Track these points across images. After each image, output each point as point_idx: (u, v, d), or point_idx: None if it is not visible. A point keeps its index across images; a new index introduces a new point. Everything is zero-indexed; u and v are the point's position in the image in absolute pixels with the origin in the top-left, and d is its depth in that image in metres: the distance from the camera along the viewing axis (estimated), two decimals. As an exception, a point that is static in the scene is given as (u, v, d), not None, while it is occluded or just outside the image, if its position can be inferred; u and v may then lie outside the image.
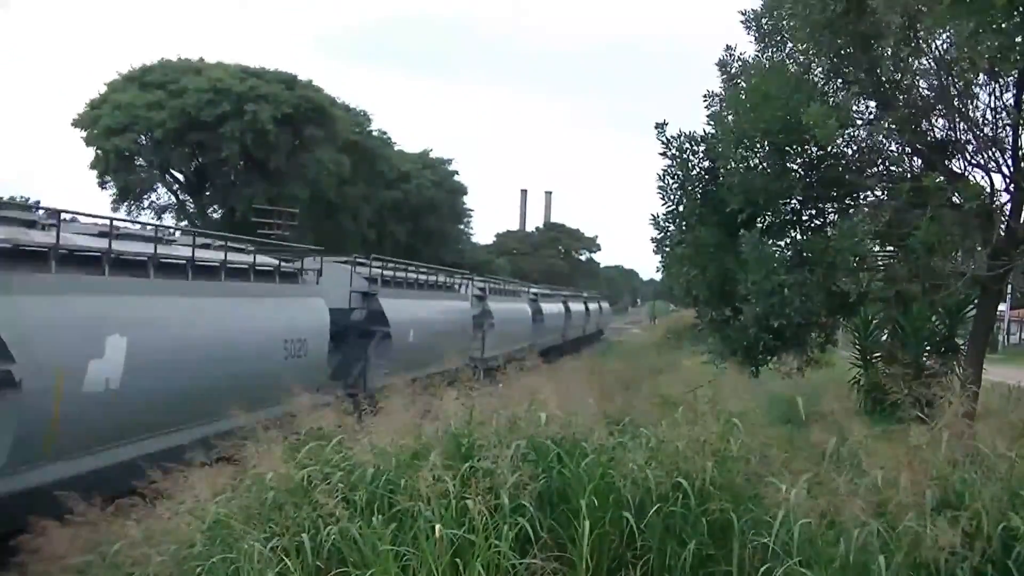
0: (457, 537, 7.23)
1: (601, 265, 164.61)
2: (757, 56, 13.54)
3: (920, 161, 12.85)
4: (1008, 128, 12.10)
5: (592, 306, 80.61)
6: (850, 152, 13.04)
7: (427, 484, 7.39)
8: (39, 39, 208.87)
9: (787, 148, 12.56)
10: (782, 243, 13.21)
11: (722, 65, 13.79)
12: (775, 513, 7.23)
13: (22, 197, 63.32)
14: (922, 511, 6.64)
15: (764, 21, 13.38)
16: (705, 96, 13.79)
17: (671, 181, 13.43)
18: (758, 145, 12.60)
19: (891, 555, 6.54)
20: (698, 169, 13.42)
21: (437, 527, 7.13)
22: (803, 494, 7.15)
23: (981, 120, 12.21)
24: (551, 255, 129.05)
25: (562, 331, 61.14)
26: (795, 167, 12.99)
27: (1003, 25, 10.18)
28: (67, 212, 14.19)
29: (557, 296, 65.58)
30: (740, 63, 13.68)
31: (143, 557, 7.84)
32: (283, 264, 20.17)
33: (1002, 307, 40.90)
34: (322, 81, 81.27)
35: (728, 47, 13.81)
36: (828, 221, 13.52)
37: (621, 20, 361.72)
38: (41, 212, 14.90)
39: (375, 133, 75.39)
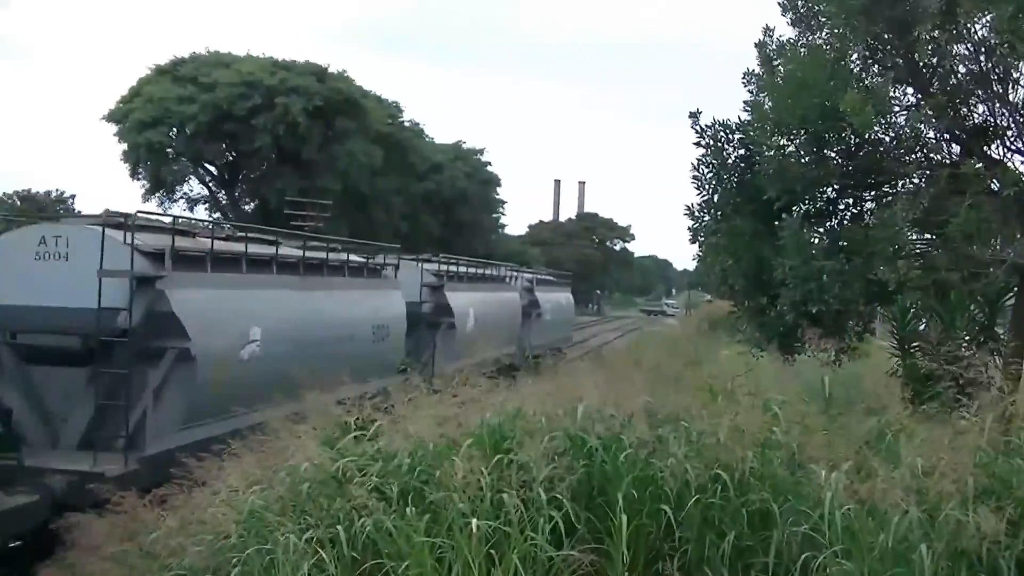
0: (492, 529, 7.19)
1: (635, 255, 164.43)
2: (793, 41, 13.37)
3: (959, 148, 12.68)
4: (1049, 113, 11.92)
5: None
6: (888, 139, 12.87)
7: (461, 476, 7.36)
8: (61, 36, 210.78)
9: (824, 135, 12.43)
10: (820, 231, 13.09)
11: (760, 47, 13.60)
12: (815, 502, 7.16)
13: (58, 191, 64.15)
14: (964, 499, 6.55)
15: (800, 4, 13.21)
16: (744, 75, 13.62)
17: (706, 170, 13.31)
18: (795, 132, 12.47)
19: (932, 544, 6.45)
20: (733, 158, 13.28)
21: (473, 521, 7.09)
22: (842, 482, 7.07)
23: (1021, 105, 12.02)
24: (585, 245, 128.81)
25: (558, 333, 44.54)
26: (832, 154, 12.85)
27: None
28: None
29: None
30: (777, 45, 13.48)
31: (179, 547, 7.88)
32: None
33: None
34: (353, 72, 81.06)
35: (767, 27, 13.63)
36: (866, 209, 13.36)
37: (656, 11, 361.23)
38: None
39: (407, 124, 75.33)
